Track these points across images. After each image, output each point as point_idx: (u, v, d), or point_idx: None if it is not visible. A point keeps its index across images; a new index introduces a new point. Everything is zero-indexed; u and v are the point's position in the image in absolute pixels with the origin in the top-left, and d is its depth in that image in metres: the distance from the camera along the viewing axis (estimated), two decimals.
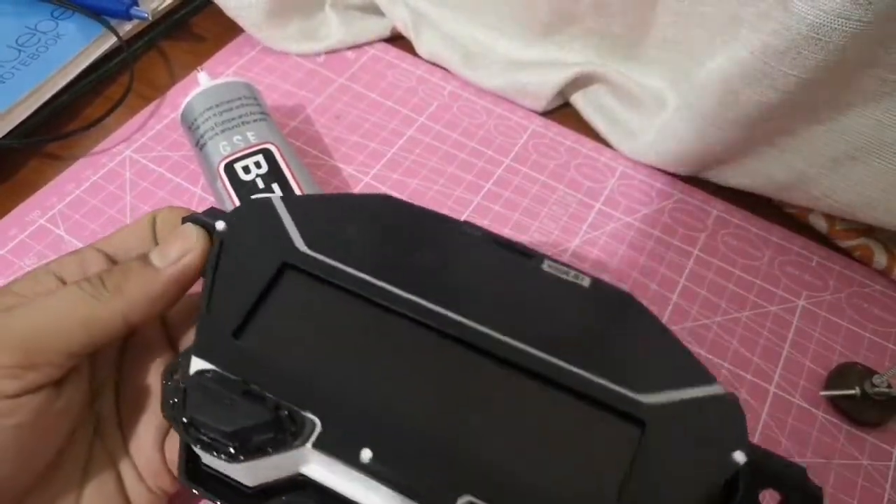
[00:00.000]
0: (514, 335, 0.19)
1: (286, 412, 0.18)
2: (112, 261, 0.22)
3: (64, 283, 0.21)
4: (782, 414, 0.32)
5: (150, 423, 0.22)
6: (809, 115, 0.34)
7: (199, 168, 0.36)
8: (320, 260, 0.20)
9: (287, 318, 0.20)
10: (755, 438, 0.31)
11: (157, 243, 0.23)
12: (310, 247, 0.20)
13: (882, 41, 0.29)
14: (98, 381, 0.22)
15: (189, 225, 0.21)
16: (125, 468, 0.22)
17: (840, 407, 0.32)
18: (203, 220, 0.21)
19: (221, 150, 0.34)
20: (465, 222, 0.22)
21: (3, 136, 0.37)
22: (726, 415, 0.18)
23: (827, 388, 0.33)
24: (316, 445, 0.17)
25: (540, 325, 0.19)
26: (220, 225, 0.21)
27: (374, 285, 0.20)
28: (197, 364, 0.19)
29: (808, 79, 0.31)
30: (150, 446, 0.22)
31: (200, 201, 0.37)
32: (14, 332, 0.18)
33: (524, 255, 0.21)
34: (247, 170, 0.33)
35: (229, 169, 0.33)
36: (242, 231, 0.21)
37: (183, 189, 0.38)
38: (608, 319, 0.19)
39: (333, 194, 0.22)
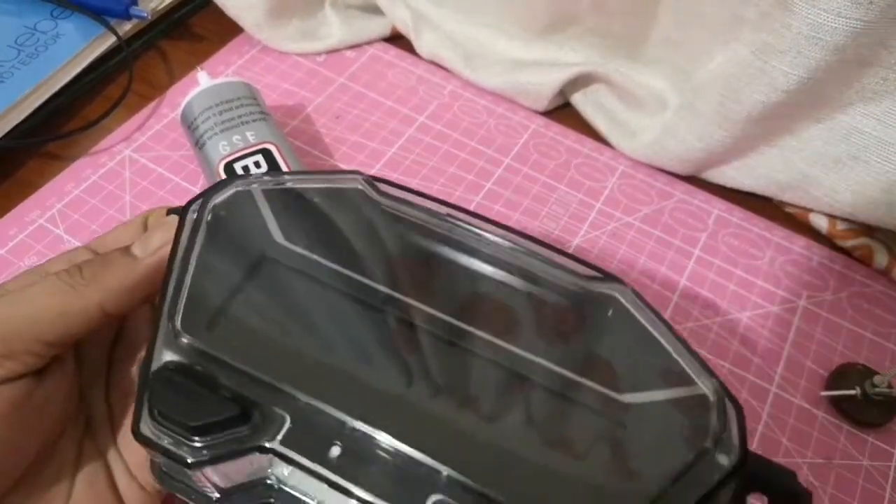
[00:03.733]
0: (493, 332, 0.19)
1: (255, 408, 0.17)
2: None
3: None
4: (783, 414, 0.32)
5: (134, 380, 0.22)
6: (810, 114, 0.34)
7: (199, 168, 0.36)
8: (297, 252, 0.20)
9: (261, 311, 0.19)
10: (755, 438, 0.31)
11: None
12: (287, 239, 0.20)
13: (883, 40, 0.29)
14: (88, 376, 0.22)
15: (173, 216, 0.21)
16: (116, 465, 0.22)
17: (841, 407, 0.32)
18: (182, 207, 0.21)
19: (221, 149, 0.34)
20: (445, 215, 0.21)
21: (3, 136, 0.37)
22: (711, 415, 0.17)
23: (827, 388, 0.33)
24: (284, 443, 0.17)
25: (519, 323, 0.19)
26: (191, 214, 0.20)
27: (351, 279, 0.19)
28: (166, 356, 0.18)
29: (808, 78, 0.31)
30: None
31: None
32: None
33: (504, 248, 0.20)
34: (246, 170, 0.33)
35: (229, 169, 0.33)
36: (222, 221, 0.20)
37: (182, 189, 0.38)
38: (591, 318, 0.19)
39: (312, 187, 0.21)
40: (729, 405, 0.17)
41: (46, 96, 0.39)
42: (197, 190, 0.38)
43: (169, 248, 0.20)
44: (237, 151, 0.34)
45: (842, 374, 0.33)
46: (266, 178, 0.21)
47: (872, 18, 0.28)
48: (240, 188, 0.21)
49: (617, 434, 0.17)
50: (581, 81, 0.42)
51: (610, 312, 0.19)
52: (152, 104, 0.41)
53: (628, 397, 0.18)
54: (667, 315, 0.35)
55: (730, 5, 0.33)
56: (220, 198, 0.21)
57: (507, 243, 0.20)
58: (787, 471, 0.18)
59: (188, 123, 0.36)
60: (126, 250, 0.21)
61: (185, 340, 0.18)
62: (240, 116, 0.35)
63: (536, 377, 0.18)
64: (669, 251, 0.37)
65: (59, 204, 0.36)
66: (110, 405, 0.23)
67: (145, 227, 0.23)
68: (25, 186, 0.37)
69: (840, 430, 0.32)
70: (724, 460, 0.17)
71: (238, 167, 0.33)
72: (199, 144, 0.35)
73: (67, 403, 0.21)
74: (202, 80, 0.36)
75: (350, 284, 0.19)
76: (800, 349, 0.34)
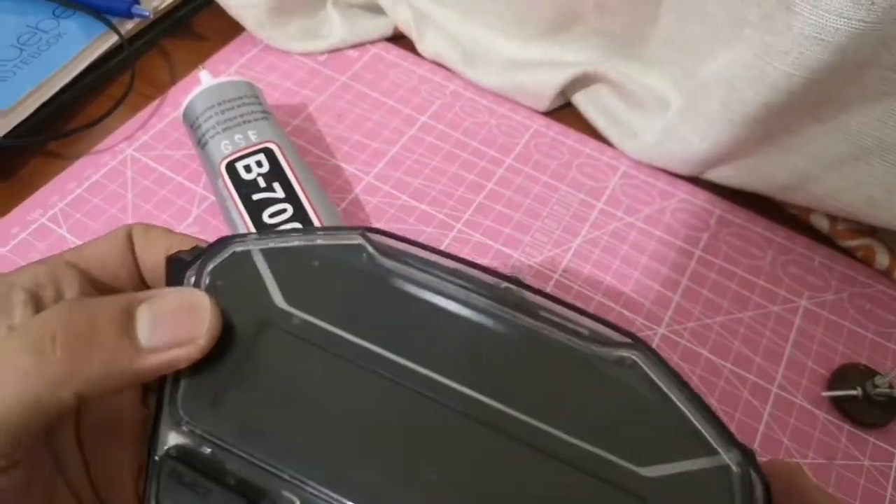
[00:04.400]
0: (506, 402, 0.18)
1: (264, 496, 0.17)
2: (87, 277, 0.20)
3: (38, 298, 0.18)
4: (784, 414, 0.32)
5: (120, 461, 0.20)
6: (812, 115, 0.34)
7: (201, 167, 0.36)
8: (301, 319, 0.19)
9: (267, 386, 0.18)
10: (756, 439, 0.31)
11: (135, 261, 0.21)
12: (290, 304, 0.19)
13: (884, 41, 0.29)
14: (60, 458, 0.19)
15: (203, 301, 0.18)
16: None
17: (842, 407, 0.32)
18: (183, 260, 0.20)
19: (223, 148, 0.34)
20: (452, 270, 0.20)
21: (5, 135, 0.37)
22: (735, 490, 0.17)
23: (829, 388, 0.33)
24: None
25: (535, 392, 0.18)
26: (188, 282, 0.19)
27: (359, 347, 0.19)
28: (171, 439, 0.17)
29: (810, 79, 0.31)
30: (127, 488, 0.20)
31: (202, 200, 0.37)
32: None
33: (514, 313, 0.19)
34: (248, 169, 0.33)
35: (231, 168, 0.33)
36: (220, 288, 0.19)
37: (184, 188, 0.38)
38: (606, 384, 0.18)
39: (310, 244, 0.20)
40: (755, 477, 0.17)
41: (48, 95, 0.39)
42: (199, 189, 0.38)
43: (187, 351, 0.17)
44: (239, 150, 0.34)
45: (843, 375, 0.33)
46: (262, 237, 0.20)
47: (874, 19, 0.28)
48: (237, 249, 0.20)
49: None
50: (582, 81, 0.42)
51: (629, 378, 0.18)
52: (154, 103, 0.42)
53: (648, 470, 0.17)
54: (668, 315, 0.35)
55: (731, 6, 0.33)
56: (216, 261, 0.20)
57: (520, 307, 0.19)
58: None
59: (190, 122, 0.36)
60: (126, 325, 0.16)
61: (187, 426, 0.18)
62: (241, 115, 0.35)
63: (552, 451, 0.17)
64: (671, 251, 0.37)
65: (62, 203, 0.36)
66: (82, 446, 0.20)
67: (129, 242, 0.21)
68: (27, 185, 0.37)
69: (841, 430, 0.32)
70: None
71: (240, 166, 0.33)
72: (201, 143, 0.35)
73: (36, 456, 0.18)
74: (204, 80, 0.36)
75: (357, 353, 0.19)
76: (801, 349, 0.34)
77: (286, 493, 0.17)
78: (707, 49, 0.36)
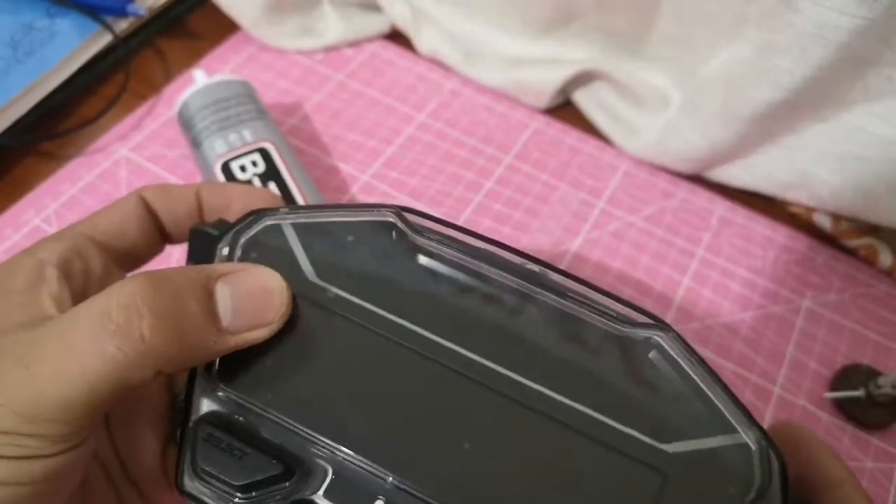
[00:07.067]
0: (534, 378, 0.18)
1: (297, 461, 0.17)
2: (104, 249, 0.20)
3: (67, 272, 0.18)
4: (786, 416, 0.32)
5: (146, 435, 0.20)
6: (814, 113, 0.34)
7: (196, 167, 0.36)
8: (331, 291, 0.19)
9: (299, 356, 0.19)
10: None
11: (154, 225, 0.21)
12: (319, 277, 0.20)
13: (887, 39, 0.29)
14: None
15: (279, 284, 0.18)
16: (123, 486, 0.20)
17: (845, 409, 0.32)
18: (210, 234, 0.20)
19: (218, 148, 0.33)
20: (482, 251, 0.20)
21: None
22: (754, 467, 0.17)
23: (831, 389, 0.32)
24: (327, 495, 0.17)
25: (561, 370, 0.19)
26: (221, 251, 0.20)
27: (388, 321, 0.19)
28: (205, 406, 0.18)
29: (812, 77, 0.30)
30: (151, 457, 0.21)
31: None
32: (49, 400, 0.14)
33: (543, 292, 0.19)
34: (243, 168, 0.33)
35: (226, 168, 0.33)
36: (253, 259, 0.20)
37: None
38: (631, 363, 0.19)
39: (342, 220, 0.21)
40: (772, 455, 0.17)
41: (42, 95, 0.39)
42: None
43: (263, 332, 0.18)
44: (234, 150, 0.33)
45: (846, 376, 0.32)
46: (293, 211, 0.21)
47: (876, 16, 0.27)
48: (268, 223, 0.20)
49: (659, 485, 0.17)
50: (583, 79, 0.42)
51: (652, 358, 0.19)
52: (149, 103, 0.41)
53: (670, 446, 0.18)
54: (670, 316, 0.34)
55: (733, 3, 0.33)
56: (249, 233, 0.20)
57: (548, 285, 0.20)
58: None
59: (185, 122, 0.35)
60: (208, 307, 0.16)
61: (222, 392, 0.18)
62: (237, 115, 0.34)
63: (577, 426, 0.18)
64: (672, 251, 0.37)
65: (55, 204, 0.36)
66: (122, 461, 0.20)
67: (146, 208, 0.21)
68: (21, 186, 0.37)
69: (844, 431, 0.31)
70: None
71: (235, 166, 0.33)
72: (195, 143, 0.34)
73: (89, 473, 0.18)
74: (199, 79, 0.36)
75: (388, 328, 0.19)
76: (803, 350, 0.34)
77: (320, 461, 0.17)
78: (708, 46, 0.36)
